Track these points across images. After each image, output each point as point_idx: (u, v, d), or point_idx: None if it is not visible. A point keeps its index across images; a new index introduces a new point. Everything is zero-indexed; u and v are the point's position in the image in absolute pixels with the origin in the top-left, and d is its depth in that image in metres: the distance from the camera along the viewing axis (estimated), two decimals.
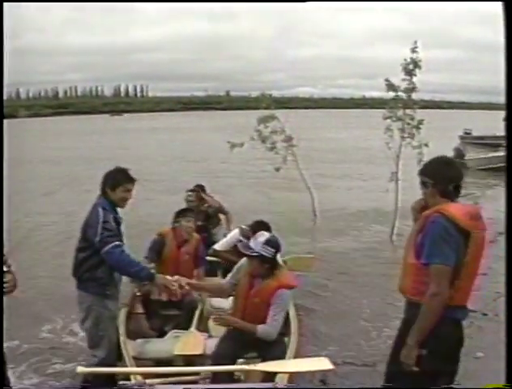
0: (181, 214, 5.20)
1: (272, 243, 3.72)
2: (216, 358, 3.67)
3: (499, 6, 2.53)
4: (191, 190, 6.69)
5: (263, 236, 3.77)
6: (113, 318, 3.97)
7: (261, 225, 5.37)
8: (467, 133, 29.00)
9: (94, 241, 3.62)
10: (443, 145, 20.29)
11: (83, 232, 3.77)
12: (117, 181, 3.80)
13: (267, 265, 3.68)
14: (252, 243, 3.73)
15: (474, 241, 2.68)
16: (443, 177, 2.84)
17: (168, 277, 3.83)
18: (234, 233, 5.77)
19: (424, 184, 2.90)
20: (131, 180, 3.86)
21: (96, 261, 3.70)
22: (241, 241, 5.20)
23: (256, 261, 3.67)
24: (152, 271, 4.00)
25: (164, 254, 4.96)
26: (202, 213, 6.50)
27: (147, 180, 12.09)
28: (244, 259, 3.85)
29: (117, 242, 3.64)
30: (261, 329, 3.59)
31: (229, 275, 3.99)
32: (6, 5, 2.90)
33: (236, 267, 3.95)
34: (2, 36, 3.09)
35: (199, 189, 6.79)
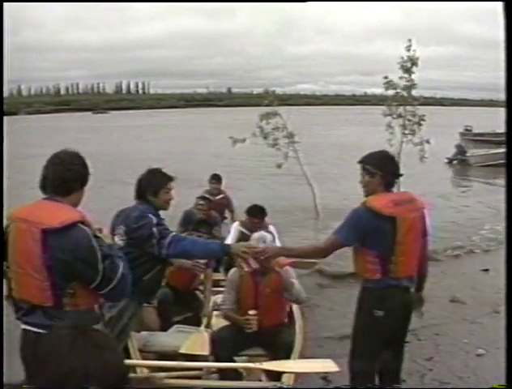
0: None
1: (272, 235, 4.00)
2: (217, 341, 3.77)
3: (499, 3, 2.55)
4: (202, 198, 6.57)
5: (267, 238, 3.87)
6: (133, 327, 3.74)
7: (256, 208, 5.44)
8: (467, 130, 28.95)
9: (151, 244, 3.34)
10: (444, 141, 20.31)
11: (134, 239, 3.41)
12: (157, 184, 3.53)
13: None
14: None
15: (401, 224, 3.09)
16: (391, 170, 3.24)
17: (244, 243, 3.61)
18: (235, 226, 5.73)
19: (370, 173, 3.21)
20: (170, 178, 3.58)
21: (143, 269, 3.44)
22: (242, 232, 5.37)
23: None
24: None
25: None
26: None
27: None
28: (230, 275, 4.00)
29: (175, 233, 3.48)
30: (297, 284, 3.87)
31: (225, 295, 4.04)
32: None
33: (227, 284, 4.05)
34: (2, 34, 3.11)
35: (215, 187, 6.83)
